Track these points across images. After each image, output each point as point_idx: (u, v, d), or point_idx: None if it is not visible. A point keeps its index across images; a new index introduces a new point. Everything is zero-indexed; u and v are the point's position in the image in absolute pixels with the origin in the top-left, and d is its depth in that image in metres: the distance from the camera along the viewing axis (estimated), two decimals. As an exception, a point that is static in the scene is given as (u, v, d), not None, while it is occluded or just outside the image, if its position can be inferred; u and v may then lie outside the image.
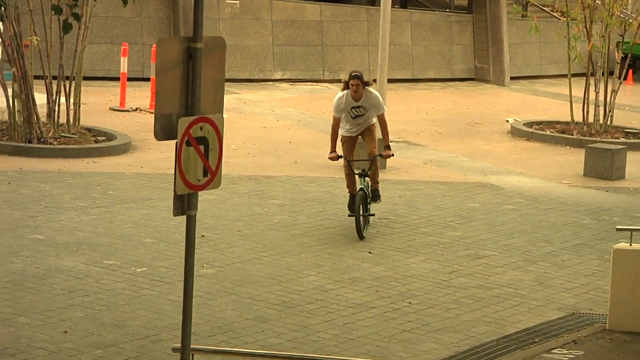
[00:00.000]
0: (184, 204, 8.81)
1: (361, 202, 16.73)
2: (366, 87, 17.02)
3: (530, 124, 27.44)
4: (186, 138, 8.55)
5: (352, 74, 17.04)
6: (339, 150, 17.44)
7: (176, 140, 8.53)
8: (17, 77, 21.29)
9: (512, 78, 35.40)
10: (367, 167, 17.26)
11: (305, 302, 13.81)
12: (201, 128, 8.65)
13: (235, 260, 15.26)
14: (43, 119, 21.89)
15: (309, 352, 11.83)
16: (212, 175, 8.81)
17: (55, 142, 21.64)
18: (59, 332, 12.24)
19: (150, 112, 24.78)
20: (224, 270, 14.82)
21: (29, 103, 21.37)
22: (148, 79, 26.75)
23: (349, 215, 16.93)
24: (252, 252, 15.76)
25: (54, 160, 20.88)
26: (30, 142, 21.31)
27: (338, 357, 11.13)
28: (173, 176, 8.64)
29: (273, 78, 32.32)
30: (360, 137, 17.79)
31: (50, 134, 21.77)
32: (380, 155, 17.31)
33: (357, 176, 17.18)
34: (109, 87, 27.32)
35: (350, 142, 17.49)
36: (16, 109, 21.44)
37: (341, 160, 17.43)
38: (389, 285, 14.67)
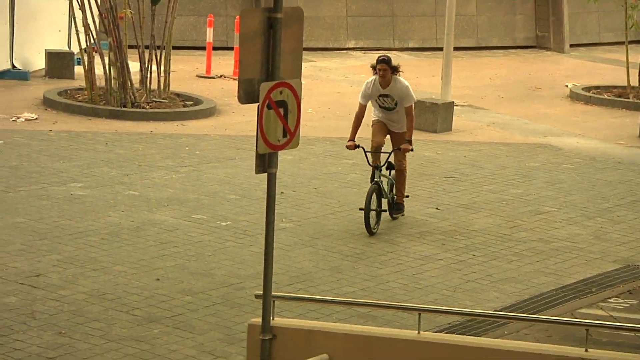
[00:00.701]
0: (265, 163, 8.89)
1: (373, 196, 14.48)
2: (395, 75, 14.59)
3: (588, 89, 27.14)
4: (267, 102, 8.62)
5: (380, 58, 14.63)
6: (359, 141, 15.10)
7: (258, 104, 8.60)
8: (112, 46, 21.51)
9: (571, 45, 35.03)
10: (387, 161, 15.00)
11: (377, 254, 13.90)
12: (281, 92, 8.71)
13: (311, 215, 15.36)
14: (136, 85, 22.07)
15: (380, 299, 11.91)
16: (290, 136, 8.87)
17: (147, 107, 21.83)
18: (152, 279, 12.46)
19: (234, 79, 24.89)
20: (302, 224, 14.93)
21: (123, 70, 21.58)
22: (231, 48, 26.80)
23: (360, 209, 14.57)
24: (328, 208, 15.85)
25: (146, 123, 21.07)
26: (124, 106, 21.53)
27: (407, 304, 11.20)
28: (255, 138, 8.72)
29: (346, 47, 32.25)
30: (390, 136, 15.23)
31: (143, 98, 21.96)
32: (399, 149, 14.70)
33: (375, 169, 14.94)
34: (196, 56, 27.44)
35: (379, 125, 15.10)
36: (112, 76, 21.65)
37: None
38: (454, 238, 14.71)
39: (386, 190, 14.89)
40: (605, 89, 27.35)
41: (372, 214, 14.50)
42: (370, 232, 14.47)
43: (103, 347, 10.56)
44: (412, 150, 14.87)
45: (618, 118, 24.67)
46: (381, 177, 14.83)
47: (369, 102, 15.03)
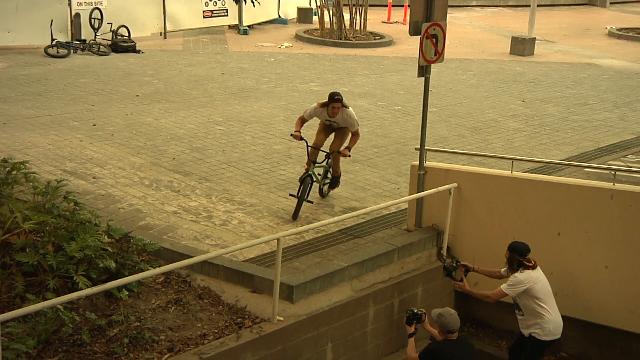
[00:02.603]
0: (424, 71, 8.76)
1: (307, 187, 9.37)
2: (343, 107, 9.52)
3: (620, 29, 25.45)
4: (426, 34, 8.47)
5: (335, 97, 9.45)
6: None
7: (420, 36, 8.46)
8: (335, 4, 21.41)
9: (611, 3, 33.03)
10: (322, 160, 9.71)
11: (486, 127, 13.57)
12: (434, 29, 8.52)
13: (448, 104, 15.07)
14: (347, 27, 21.90)
15: (487, 152, 11.68)
16: (439, 55, 8.68)
17: (353, 40, 21.59)
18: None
19: (404, 24, 24.51)
20: (442, 109, 14.64)
21: (340, 18, 21.42)
22: (402, 5, 26.34)
23: (290, 194, 9.69)
24: (457, 100, 15.50)
25: (352, 49, 20.87)
26: (340, 39, 21.39)
27: (505, 155, 10.91)
28: (417, 57, 8.59)
29: (471, 5, 31.10)
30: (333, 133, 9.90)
31: (351, 35, 21.71)
32: (338, 152, 9.66)
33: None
34: (382, 10, 26.87)
35: (324, 127, 9.90)
36: (333, 22, 21.55)
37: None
38: (532, 119, 14.22)
39: (319, 178, 9.78)
40: (632, 29, 25.59)
41: (302, 203, 9.42)
42: (296, 216, 9.33)
43: (328, 175, 10.78)
44: (349, 157, 9.81)
45: (638, 47, 23.18)
46: (315, 170, 9.66)
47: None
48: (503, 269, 8.04)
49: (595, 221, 8.25)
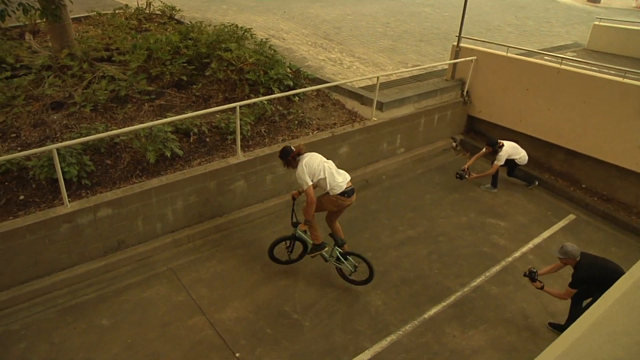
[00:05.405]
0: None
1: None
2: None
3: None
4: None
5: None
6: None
7: None
8: None
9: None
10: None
11: (494, 29, 11.18)
12: None
13: (472, 14, 12.52)
14: None
15: (494, 41, 9.62)
16: None
17: None
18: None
19: None
20: (469, 17, 12.13)
21: None
22: None
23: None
24: (478, 13, 12.90)
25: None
26: None
27: (501, 43, 9.02)
28: None
29: None
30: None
31: None
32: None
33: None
34: None
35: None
36: None
37: None
38: (520, 28, 11.70)
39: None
40: None
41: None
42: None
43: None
44: (305, 230, 4.67)
45: None
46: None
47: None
48: (493, 158, 6.69)
49: (548, 84, 7.04)
